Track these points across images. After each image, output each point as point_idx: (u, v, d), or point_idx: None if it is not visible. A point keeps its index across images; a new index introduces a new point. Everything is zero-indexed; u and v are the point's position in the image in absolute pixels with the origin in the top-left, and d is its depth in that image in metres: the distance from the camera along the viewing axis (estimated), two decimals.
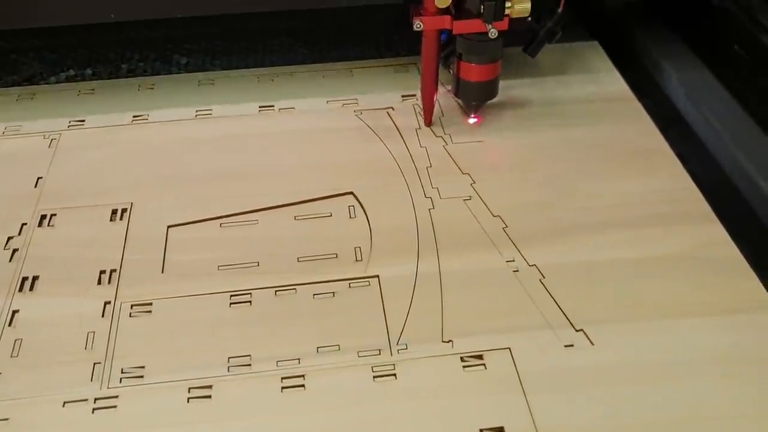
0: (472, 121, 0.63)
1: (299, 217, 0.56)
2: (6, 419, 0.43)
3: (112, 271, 0.52)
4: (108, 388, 0.45)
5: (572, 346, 0.46)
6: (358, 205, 0.56)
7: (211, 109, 0.66)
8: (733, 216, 0.55)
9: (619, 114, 0.64)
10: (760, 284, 0.49)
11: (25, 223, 0.55)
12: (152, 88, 0.69)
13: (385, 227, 0.54)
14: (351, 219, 0.55)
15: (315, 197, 0.57)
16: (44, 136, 0.64)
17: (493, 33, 0.56)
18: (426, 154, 0.61)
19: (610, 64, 0.70)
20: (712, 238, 0.53)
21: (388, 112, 0.65)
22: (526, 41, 0.64)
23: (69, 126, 0.65)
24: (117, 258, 0.53)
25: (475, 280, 0.50)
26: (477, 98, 0.62)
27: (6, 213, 0.56)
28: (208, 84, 0.70)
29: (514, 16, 0.57)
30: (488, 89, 0.61)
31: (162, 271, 0.52)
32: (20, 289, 0.51)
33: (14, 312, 0.49)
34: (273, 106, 0.66)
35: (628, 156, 0.60)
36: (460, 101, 0.64)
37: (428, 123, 0.63)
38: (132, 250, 0.53)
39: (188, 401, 0.44)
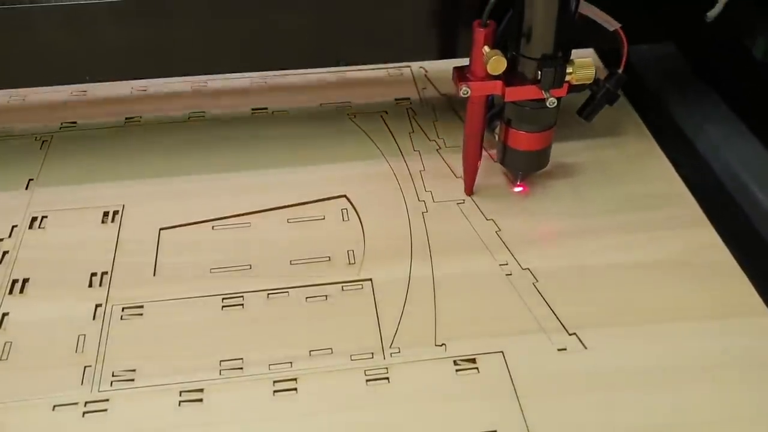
0: (517, 190, 0.57)
1: (292, 220, 0.55)
2: None
3: (104, 273, 0.51)
4: (99, 391, 0.44)
5: (565, 349, 0.46)
6: (351, 208, 0.56)
7: (203, 112, 0.66)
8: (725, 220, 0.55)
9: (614, 119, 0.64)
10: (753, 288, 0.50)
11: (16, 225, 0.55)
12: (145, 90, 0.68)
13: (378, 230, 0.54)
14: (344, 222, 0.55)
15: (308, 200, 0.57)
16: (36, 137, 0.64)
17: (551, 102, 0.50)
18: (419, 157, 0.61)
19: None
20: (704, 243, 0.53)
21: (381, 116, 0.65)
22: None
23: (61, 128, 0.65)
24: (108, 260, 0.52)
25: (468, 283, 0.50)
26: (526, 168, 0.56)
27: None
28: (201, 85, 0.69)
29: (576, 82, 0.51)
30: (539, 159, 0.55)
31: (154, 274, 0.51)
32: (10, 292, 0.50)
33: (4, 314, 0.49)
34: (266, 108, 0.66)
35: (622, 160, 0.60)
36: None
37: (469, 193, 0.56)
38: (123, 252, 0.53)
39: (179, 405, 0.44)
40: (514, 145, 0.54)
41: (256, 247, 0.53)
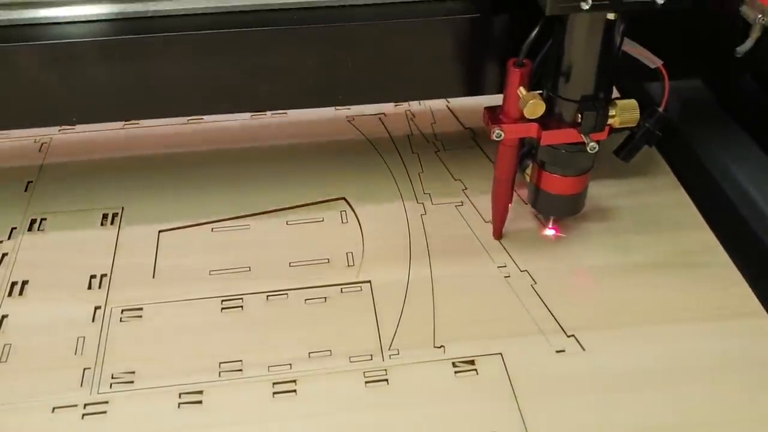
0: (549, 233, 0.54)
1: (291, 222, 0.56)
2: None
3: (103, 275, 0.51)
4: (98, 393, 0.44)
5: (563, 351, 0.46)
6: (350, 210, 0.56)
7: (202, 116, 0.66)
8: (722, 222, 0.55)
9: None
10: (750, 290, 0.50)
11: (15, 228, 0.55)
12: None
13: (377, 232, 0.54)
14: (343, 224, 0.55)
15: (307, 202, 0.57)
16: (35, 140, 0.64)
17: (592, 147, 0.46)
18: (418, 159, 0.61)
19: None
20: (701, 245, 0.53)
21: (380, 118, 0.65)
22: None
23: (60, 131, 0.65)
24: (108, 263, 0.52)
25: (467, 285, 0.50)
26: (559, 213, 0.53)
27: None
28: None
29: (619, 126, 0.47)
30: (574, 203, 0.51)
31: (153, 276, 0.52)
32: (9, 294, 0.50)
33: (3, 317, 0.49)
34: (265, 113, 0.66)
35: (619, 164, 0.60)
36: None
37: (497, 237, 0.53)
38: (123, 254, 0.53)
39: (179, 407, 0.44)
40: (547, 188, 0.50)
41: (256, 249, 0.53)
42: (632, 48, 0.47)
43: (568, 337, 0.47)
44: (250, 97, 0.52)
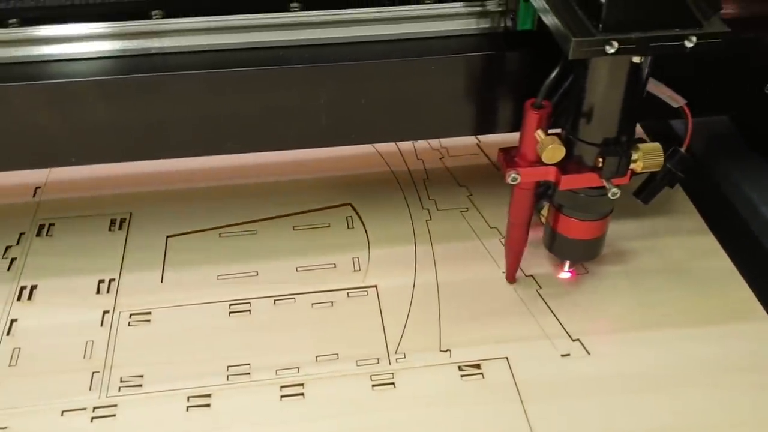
0: (564, 276, 0.52)
1: (298, 228, 0.56)
2: (5, 428, 0.43)
3: (111, 280, 0.52)
4: (107, 396, 0.45)
5: (569, 355, 0.47)
6: (356, 215, 0.57)
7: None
8: (724, 227, 0.55)
9: None
10: (752, 294, 0.50)
11: (24, 233, 0.56)
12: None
13: (383, 238, 0.55)
14: (349, 229, 0.56)
15: (313, 208, 0.57)
16: None
17: (614, 193, 0.43)
18: (423, 166, 0.61)
19: None
20: (704, 249, 0.54)
21: None
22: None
23: None
24: (116, 267, 0.53)
25: (473, 290, 0.51)
26: (577, 258, 0.51)
27: (4, 222, 0.56)
28: None
29: (641, 171, 0.45)
30: (592, 248, 0.49)
31: (161, 281, 0.52)
32: (18, 298, 0.51)
33: (12, 321, 0.49)
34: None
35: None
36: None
37: (511, 281, 0.51)
38: (131, 259, 0.53)
39: (187, 410, 0.44)
40: (564, 232, 0.48)
41: (263, 254, 0.54)
42: (656, 87, 0.45)
43: (573, 341, 0.47)
44: (259, 137, 0.49)
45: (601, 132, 0.43)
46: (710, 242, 0.54)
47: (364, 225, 0.56)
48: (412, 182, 0.60)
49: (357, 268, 0.53)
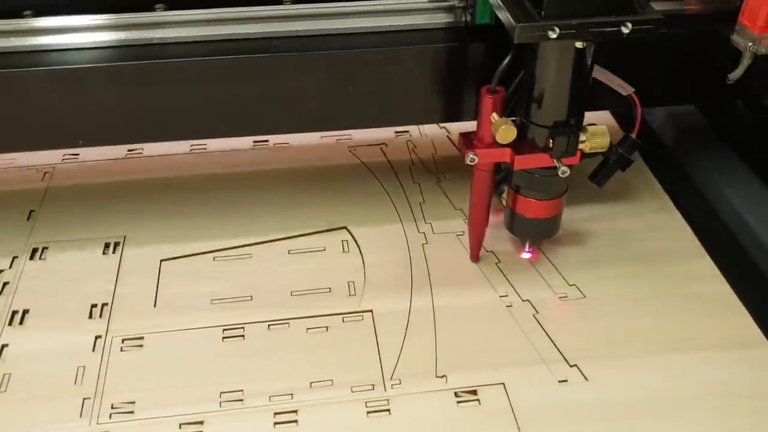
0: (525, 256, 0.54)
1: (293, 252, 0.56)
2: None
3: (104, 304, 0.51)
4: (98, 423, 0.44)
5: (566, 381, 0.46)
6: (352, 239, 0.57)
7: (205, 144, 0.67)
8: (722, 251, 0.55)
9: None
10: (751, 319, 0.50)
11: (17, 256, 0.55)
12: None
13: (378, 262, 0.54)
14: (344, 253, 0.55)
15: (308, 231, 0.57)
16: (38, 168, 0.64)
17: (564, 172, 0.47)
18: (419, 189, 0.61)
19: None
20: (702, 274, 0.53)
21: (381, 148, 0.66)
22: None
23: (63, 159, 0.65)
24: (109, 292, 0.52)
25: (469, 315, 0.50)
26: (535, 236, 0.54)
27: None
28: None
29: (589, 151, 0.48)
30: (549, 227, 0.52)
31: (154, 305, 0.51)
32: (10, 323, 0.50)
33: (3, 346, 0.49)
34: (267, 140, 0.67)
35: (617, 190, 0.60)
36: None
37: (474, 259, 0.54)
38: (124, 283, 0.53)
39: None
40: (522, 212, 0.51)
41: (257, 278, 0.53)
42: (603, 75, 0.49)
43: (571, 366, 0.47)
44: (253, 121, 0.53)
45: (551, 115, 0.47)
46: (708, 266, 0.54)
47: (359, 249, 0.56)
48: (409, 206, 0.60)
49: (352, 292, 0.52)
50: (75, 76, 0.49)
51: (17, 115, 0.50)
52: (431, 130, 0.68)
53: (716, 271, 0.53)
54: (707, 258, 0.54)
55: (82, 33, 0.50)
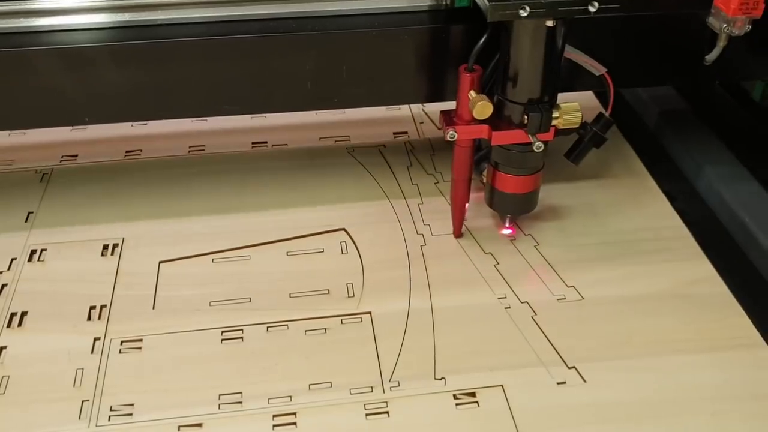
0: (505, 232, 0.57)
1: (291, 253, 0.56)
2: None
3: (102, 306, 0.51)
4: (96, 426, 0.44)
5: (565, 383, 0.46)
6: (350, 241, 0.57)
7: (203, 145, 0.67)
8: (720, 252, 0.55)
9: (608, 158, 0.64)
10: (749, 321, 0.50)
11: (15, 258, 0.55)
12: (145, 124, 0.69)
13: (377, 263, 0.54)
14: (343, 255, 0.55)
15: (307, 233, 0.57)
16: (36, 170, 0.64)
17: (538, 147, 0.50)
18: (418, 191, 0.61)
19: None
20: (700, 275, 0.53)
21: (380, 150, 0.66)
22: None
23: (61, 161, 0.65)
24: (107, 293, 0.52)
25: (468, 316, 0.50)
26: (513, 211, 0.56)
27: None
28: (201, 120, 0.70)
29: (562, 127, 0.51)
30: (527, 202, 0.55)
31: (153, 307, 0.51)
32: (8, 325, 0.50)
33: (2, 348, 0.48)
34: (266, 142, 0.67)
35: (617, 199, 0.60)
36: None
37: (457, 235, 0.56)
38: (123, 285, 0.53)
39: None
40: (501, 187, 0.54)
41: (256, 280, 0.53)
42: (576, 56, 0.51)
43: (569, 368, 0.47)
44: (252, 99, 0.55)
45: (525, 92, 0.49)
46: (708, 270, 0.54)
47: (358, 250, 0.56)
48: (407, 207, 0.60)
49: (351, 294, 0.52)
50: (81, 55, 0.51)
51: (25, 93, 0.52)
52: (431, 130, 0.68)
53: (714, 272, 0.53)
54: (705, 259, 0.54)
55: (88, 14, 0.52)
